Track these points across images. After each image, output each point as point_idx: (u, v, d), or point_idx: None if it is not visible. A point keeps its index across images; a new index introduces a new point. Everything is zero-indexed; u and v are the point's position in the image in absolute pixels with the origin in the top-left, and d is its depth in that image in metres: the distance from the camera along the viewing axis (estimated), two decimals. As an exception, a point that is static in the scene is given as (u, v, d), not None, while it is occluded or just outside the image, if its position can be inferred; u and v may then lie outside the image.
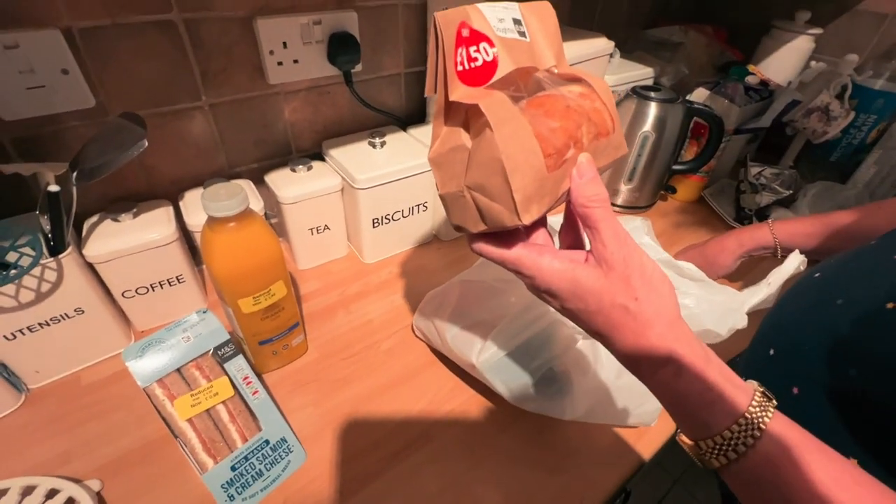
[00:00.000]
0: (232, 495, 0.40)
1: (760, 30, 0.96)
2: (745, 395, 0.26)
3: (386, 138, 0.66)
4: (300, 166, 0.61)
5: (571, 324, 0.42)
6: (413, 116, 0.75)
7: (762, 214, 0.79)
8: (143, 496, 0.41)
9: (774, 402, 0.26)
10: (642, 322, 0.26)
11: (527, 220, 0.25)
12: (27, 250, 0.40)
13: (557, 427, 0.47)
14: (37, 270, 0.43)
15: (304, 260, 0.66)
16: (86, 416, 0.47)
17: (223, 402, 0.42)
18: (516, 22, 0.27)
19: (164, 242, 0.50)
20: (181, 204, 0.56)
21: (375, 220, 0.64)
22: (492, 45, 0.25)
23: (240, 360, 0.43)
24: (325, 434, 0.46)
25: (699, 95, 0.85)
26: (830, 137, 0.82)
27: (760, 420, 0.25)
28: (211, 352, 0.42)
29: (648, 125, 0.75)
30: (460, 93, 0.25)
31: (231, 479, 0.40)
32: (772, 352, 0.39)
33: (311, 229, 0.63)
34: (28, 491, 0.38)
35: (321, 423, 0.47)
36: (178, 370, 0.41)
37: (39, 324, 0.46)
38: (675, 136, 0.77)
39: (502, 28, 0.25)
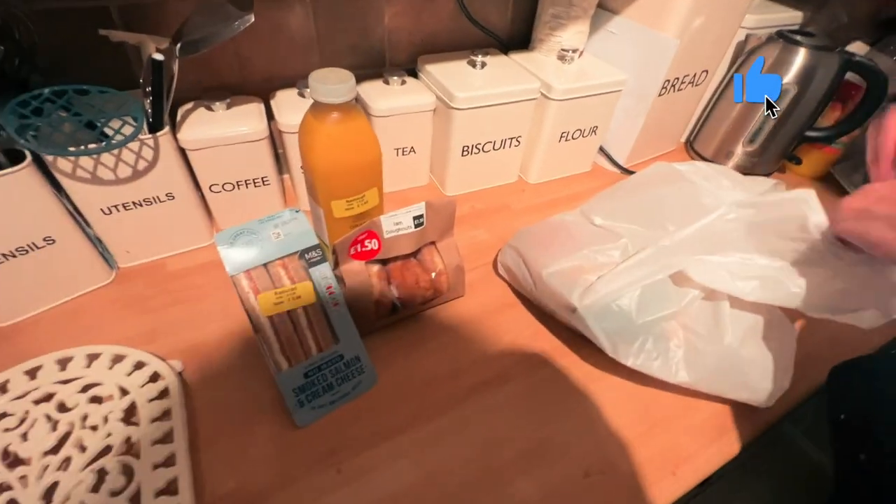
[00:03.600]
0: (302, 401, 0.39)
1: (946, -21, 0.78)
2: None
3: (487, 59, 0.59)
4: (395, 78, 0.56)
5: (697, 278, 0.37)
6: (516, 40, 0.67)
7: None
8: (219, 384, 0.41)
9: None
10: None
11: (364, 333, 0.42)
12: (129, 120, 0.39)
13: (649, 390, 0.43)
14: (135, 146, 0.42)
15: (385, 181, 0.63)
16: (171, 301, 0.47)
17: (304, 308, 0.40)
18: (417, 217, 0.42)
19: (254, 138, 0.48)
20: (272, 103, 0.53)
21: (465, 148, 0.59)
22: (379, 241, 0.41)
23: (325, 267, 0.41)
24: (398, 359, 0.44)
25: (857, 50, 0.71)
26: None
27: None
28: (299, 254, 0.41)
29: (791, 76, 0.64)
30: (346, 267, 0.42)
31: (303, 386, 0.39)
32: None
33: (398, 149, 0.59)
34: (118, 359, 0.39)
35: (393, 348, 0.45)
36: (265, 265, 0.39)
37: (133, 202, 0.45)
38: (821, 95, 0.65)
39: (395, 229, 0.41)
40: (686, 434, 0.40)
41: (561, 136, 0.63)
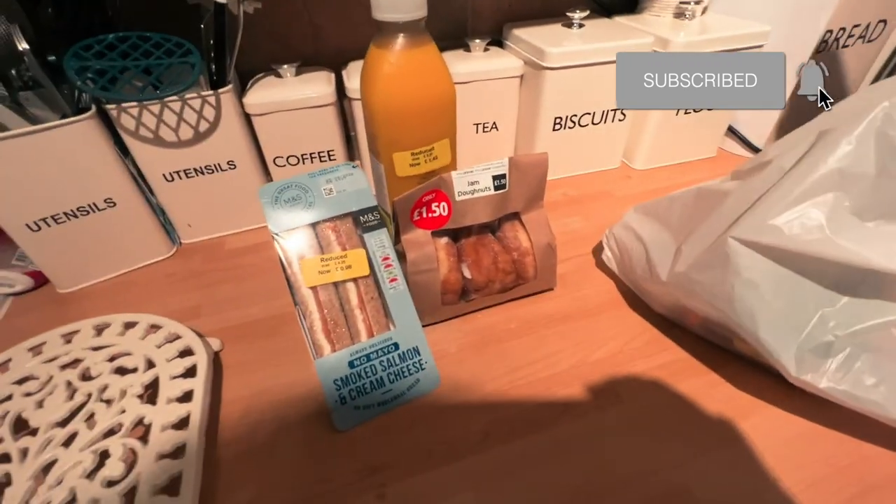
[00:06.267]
0: (344, 397, 0.31)
1: None
2: None
3: (585, 21, 0.51)
4: (477, 42, 0.50)
5: None
6: (620, 4, 0.57)
7: None
8: (256, 368, 0.34)
9: None
10: None
11: (425, 321, 0.36)
12: (189, 70, 0.36)
13: (846, 437, 0.28)
14: (196, 104, 0.39)
15: (461, 165, 0.55)
16: (222, 278, 0.43)
17: (354, 281, 0.33)
18: (497, 178, 0.34)
19: (320, 103, 0.44)
20: (344, 73, 0.49)
21: (558, 121, 0.50)
22: (449, 205, 0.34)
23: (383, 234, 0.34)
24: (467, 359, 0.35)
25: None
26: None
27: None
28: (353, 216, 0.34)
29: None
30: (408, 236, 0.34)
31: (347, 378, 0.31)
32: None
33: (478, 125, 0.52)
34: (153, 329, 0.35)
35: (463, 344, 0.36)
36: (313, 226, 0.33)
37: (195, 169, 0.43)
38: None
39: (470, 191, 0.34)
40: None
41: (679, 109, 0.51)
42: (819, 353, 0.25)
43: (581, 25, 0.50)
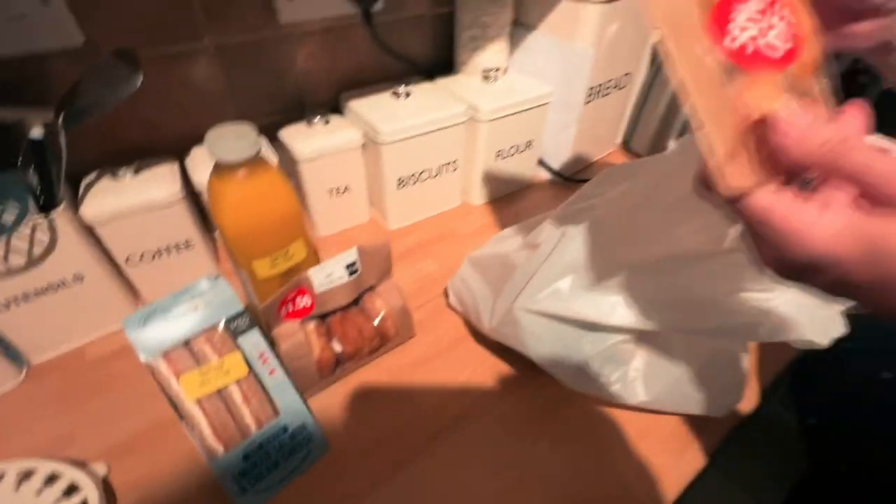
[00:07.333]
0: (244, 487, 0.35)
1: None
2: None
3: (411, 88, 0.58)
4: (317, 118, 0.54)
5: (663, 294, 0.35)
6: (441, 65, 0.67)
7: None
8: (150, 484, 0.37)
9: None
10: None
11: (308, 395, 0.42)
12: (12, 203, 0.35)
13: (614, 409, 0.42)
14: (27, 230, 0.38)
15: (323, 226, 0.60)
16: (91, 394, 0.42)
17: (236, 383, 0.37)
18: (350, 265, 0.40)
19: (168, 202, 0.45)
20: (187, 161, 0.50)
21: (401, 181, 0.58)
22: (312, 297, 0.39)
23: (255, 334, 0.38)
24: (349, 417, 0.41)
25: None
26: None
27: None
28: (223, 324, 0.37)
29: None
30: (279, 330, 0.39)
31: (243, 470, 0.36)
32: None
33: (331, 190, 0.57)
34: (26, 476, 0.34)
35: (344, 406, 0.42)
36: (186, 343, 0.36)
37: (36, 291, 0.41)
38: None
39: (327, 281, 0.39)
40: (659, 447, 0.39)
41: (497, 155, 0.63)
42: (586, 368, 0.37)
43: (408, 95, 0.58)
